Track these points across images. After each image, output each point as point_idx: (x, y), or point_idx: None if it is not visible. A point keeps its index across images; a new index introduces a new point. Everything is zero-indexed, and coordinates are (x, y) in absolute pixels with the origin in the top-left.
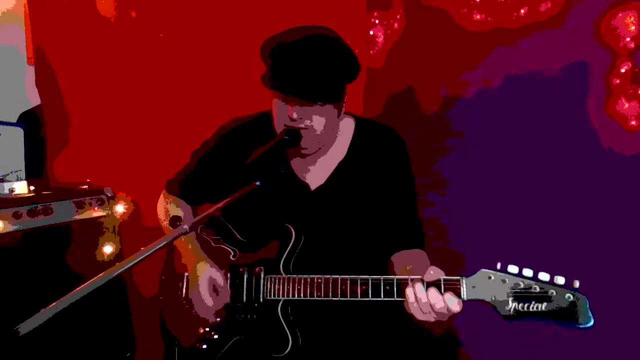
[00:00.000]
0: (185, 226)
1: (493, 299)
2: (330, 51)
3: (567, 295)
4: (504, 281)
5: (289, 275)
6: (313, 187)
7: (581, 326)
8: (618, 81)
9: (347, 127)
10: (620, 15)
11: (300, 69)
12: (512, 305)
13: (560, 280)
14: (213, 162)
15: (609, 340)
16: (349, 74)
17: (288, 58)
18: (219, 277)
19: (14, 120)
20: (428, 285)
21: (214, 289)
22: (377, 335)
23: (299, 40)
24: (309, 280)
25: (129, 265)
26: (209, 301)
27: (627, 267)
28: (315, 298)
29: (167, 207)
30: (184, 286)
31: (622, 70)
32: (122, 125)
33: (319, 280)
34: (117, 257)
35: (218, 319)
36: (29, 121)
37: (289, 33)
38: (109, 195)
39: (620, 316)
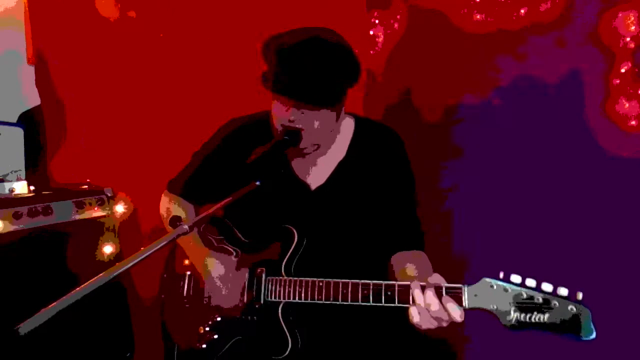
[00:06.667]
0: (185, 226)
1: (495, 308)
2: (332, 55)
3: (570, 307)
4: (506, 290)
5: (290, 278)
6: (313, 187)
7: (583, 339)
8: (618, 81)
9: (347, 126)
10: (620, 15)
11: (300, 72)
12: (514, 315)
13: (563, 291)
14: (214, 162)
15: (611, 351)
16: (350, 78)
17: (289, 61)
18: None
19: (14, 120)
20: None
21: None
22: (378, 339)
23: (300, 42)
24: (310, 283)
25: (129, 265)
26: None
27: (630, 273)
28: (317, 301)
29: (169, 207)
30: (186, 286)
31: (622, 70)
32: (122, 125)
33: (321, 284)
34: (117, 257)
35: (218, 319)
36: (28, 121)
37: (291, 34)
38: (109, 195)
39: (620, 323)
